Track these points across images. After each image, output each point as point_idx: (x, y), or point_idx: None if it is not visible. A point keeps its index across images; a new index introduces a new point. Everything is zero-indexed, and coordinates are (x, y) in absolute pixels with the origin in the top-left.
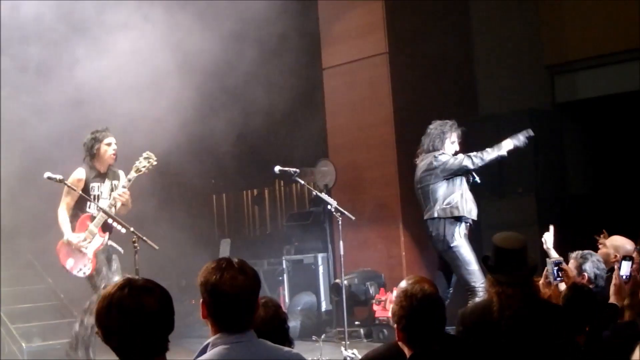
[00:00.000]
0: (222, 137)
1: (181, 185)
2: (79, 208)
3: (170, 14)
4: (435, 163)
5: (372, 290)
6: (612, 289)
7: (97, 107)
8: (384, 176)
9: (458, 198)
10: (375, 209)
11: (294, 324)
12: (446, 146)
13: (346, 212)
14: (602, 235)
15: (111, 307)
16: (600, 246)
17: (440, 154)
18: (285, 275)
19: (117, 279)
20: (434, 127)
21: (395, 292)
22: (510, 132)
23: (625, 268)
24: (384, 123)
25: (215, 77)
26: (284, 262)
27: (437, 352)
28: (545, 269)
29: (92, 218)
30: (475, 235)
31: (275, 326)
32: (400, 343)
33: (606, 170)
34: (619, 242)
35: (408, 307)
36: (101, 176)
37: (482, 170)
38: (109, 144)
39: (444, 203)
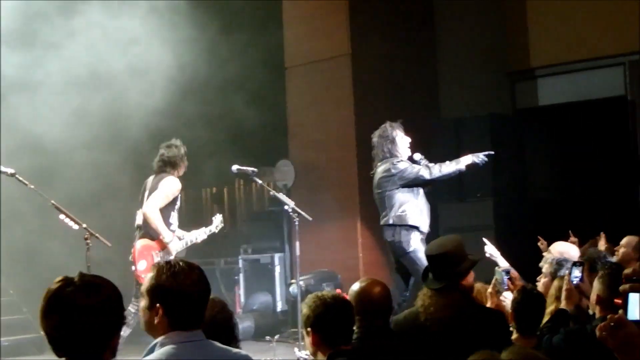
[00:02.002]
0: (183, 133)
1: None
2: (162, 217)
3: (129, 13)
4: (393, 170)
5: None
6: (563, 294)
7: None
8: (344, 177)
9: (413, 207)
10: (334, 209)
11: (248, 323)
12: (400, 146)
13: (303, 213)
14: (540, 243)
15: (53, 304)
16: (544, 254)
17: (398, 161)
18: (241, 275)
19: None
20: (376, 136)
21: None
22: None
23: (576, 273)
24: (345, 124)
25: (175, 77)
26: (240, 261)
27: (352, 351)
28: (495, 278)
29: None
30: (433, 239)
31: (221, 325)
32: (313, 347)
33: (565, 176)
34: (564, 248)
35: (318, 309)
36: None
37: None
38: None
39: (399, 210)
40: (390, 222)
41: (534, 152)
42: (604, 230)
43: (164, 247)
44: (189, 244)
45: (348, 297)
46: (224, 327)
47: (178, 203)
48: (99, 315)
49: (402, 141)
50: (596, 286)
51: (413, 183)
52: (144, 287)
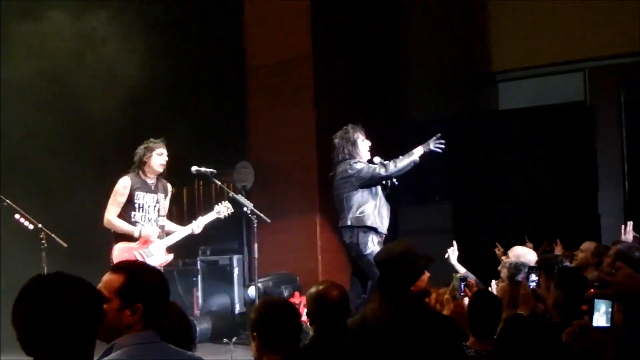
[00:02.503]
0: (142, 134)
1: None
2: (122, 217)
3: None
4: (350, 171)
5: (286, 294)
6: (520, 299)
7: None
8: (304, 179)
9: (371, 209)
10: (293, 211)
11: (206, 325)
12: (360, 148)
13: (262, 215)
14: (497, 249)
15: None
16: (502, 258)
17: (355, 162)
18: (199, 276)
19: None
20: (338, 137)
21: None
22: (428, 140)
23: (533, 278)
24: (305, 126)
25: (135, 78)
26: (198, 263)
27: (307, 353)
28: (452, 284)
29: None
30: (392, 241)
31: (177, 327)
32: (257, 352)
33: (524, 180)
34: (521, 252)
35: (263, 314)
36: (147, 186)
37: (402, 177)
38: (160, 154)
39: (357, 212)
40: (348, 223)
41: (494, 156)
42: (562, 235)
43: (145, 242)
44: (176, 239)
45: (305, 300)
46: (180, 330)
47: (140, 201)
48: (76, 314)
49: (363, 144)
50: (553, 291)
51: (370, 182)
52: (112, 288)
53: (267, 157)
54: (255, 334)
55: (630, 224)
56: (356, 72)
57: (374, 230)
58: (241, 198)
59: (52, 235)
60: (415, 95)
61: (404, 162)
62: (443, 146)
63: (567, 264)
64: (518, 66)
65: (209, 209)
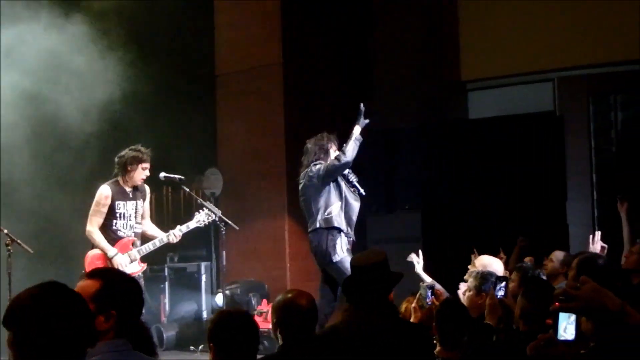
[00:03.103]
0: (112, 140)
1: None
2: (104, 227)
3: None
4: (311, 173)
5: (254, 301)
6: (486, 309)
7: None
8: (273, 186)
9: (337, 210)
10: (262, 219)
11: (173, 333)
12: (331, 157)
13: (230, 222)
14: (473, 255)
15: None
16: (469, 267)
17: (314, 164)
18: (167, 283)
19: None
20: (312, 143)
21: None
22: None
23: (501, 289)
24: (275, 133)
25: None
26: (166, 269)
27: None
28: (419, 293)
29: (134, 244)
30: (360, 251)
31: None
32: None
33: (494, 189)
34: (487, 261)
35: (219, 324)
36: (126, 194)
37: (371, 185)
38: (144, 169)
39: (326, 213)
40: (317, 225)
41: (463, 165)
42: (531, 244)
43: (119, 251)
44: (150, 248)
45: (271, 308)
46: (142, 338)
47: (121, 210)
48: (72, 325)
49: (335, 154)
50: (520, 301)
51: (331, 174)
52: (87, 294)
53: (236, 163)
54: (212, 344)
55: (598, 234)
56: (325, 79)
57: (341, 232)
58: (210, 205)
59: (18, 241)
60: (385, 104)
61: (350, 145)
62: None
63: (543, 274)
64: (488, 75)
65: (177, 215)
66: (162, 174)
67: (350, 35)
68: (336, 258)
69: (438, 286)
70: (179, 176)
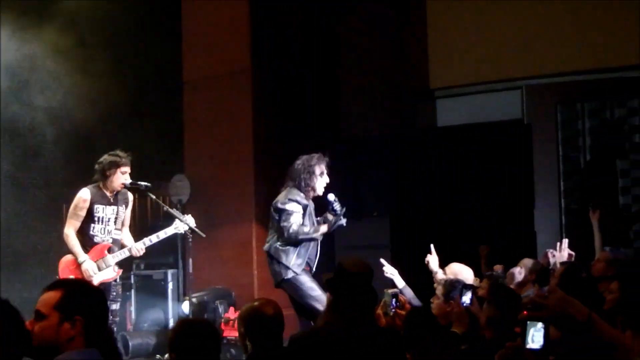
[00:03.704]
0: (74, 146)
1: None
2: (81, 230)
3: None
4: (280, 206)
5: (221, 309)
6: (453, 317)
7: None
8: (240, 194)
9: (291, 247)
10: (229, 226)
11: (139, 341)
12: (316, 180)
13: (197, 230)
14: (429, 254)
15: None
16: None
17: (289, 201)
18: (133, 291)
19: None
20: (301, 161)
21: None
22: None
23: (467, 296)
24: (243, 140)
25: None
26: (132, 277)
27: None
28: (383, 300)
29: (110, 249)
30: (329, 258)
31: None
32: None
33: (462, 197)
34: (457, 269)
35: (181, 333)
36: (106, 198)
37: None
38: (124, 173)
39: (279, 243)
40: (268, 249)
41: (432, 173)
42: (499, 251)
43: (94, 257)
44: (125, 255)
45: (238, 317)
46: (108, 346)
47: (100, 214)
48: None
49: (321, 179)
50: (486, 309)
51: (286, 236)
52: (50, 304)
53: (203, 170)
54: (173, 354)
55: (565, 241)
56: (294, 86)
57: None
58: (176, 212)
59: None
60: (353, 111)
61: (309, 235)
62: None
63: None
64: (456, 83)
65: (144, 223)
66: (129, 181)
67: (318, 42)
68: (289, 275)
69: (409, 292)
70: (145, 183)
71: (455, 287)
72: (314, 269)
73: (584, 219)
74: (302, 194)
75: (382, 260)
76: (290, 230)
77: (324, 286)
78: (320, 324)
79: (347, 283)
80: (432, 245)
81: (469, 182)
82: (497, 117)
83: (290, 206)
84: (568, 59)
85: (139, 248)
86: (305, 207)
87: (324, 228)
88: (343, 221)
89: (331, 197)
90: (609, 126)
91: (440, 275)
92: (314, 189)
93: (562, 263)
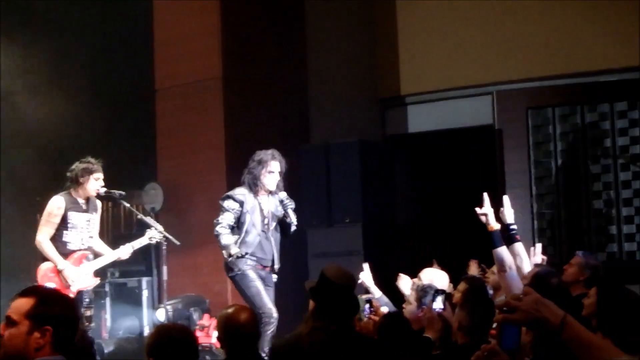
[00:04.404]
0: (45, 155)
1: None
2: (55, 238)
3: None
4: (219, 201)
5: (195, 316)
6: (425, 322)
7: None
8: (213, 201)
9: (238, 240)
10: (202, 233)
11: (113, 348)
12: (263, 181)
13: (171, 237)
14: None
15: None
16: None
17: (226, 198)
18: (107, 299)
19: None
20: (256, 155)
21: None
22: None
23: (438, 301)
24: (215, 147)
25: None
26: (107, 285)
27: None
28: None
29: (87, 258)
30: (301, 265)
31: (82, 352)
32: None
33: (434, 202)
34: (432, 275)
35: (157, 338)
36: (79, 205)
37: (311, 200)
38: (97, 179)
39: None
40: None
41: (403, 179)
42: (470, 257)
43: (77, 263)
44: (103, 263)
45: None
46: (84, 354)
47: (72, 221)
48: None
49: (269, 177)
50: (459, 313)
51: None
52: (22, 311)
53: (176, 178)
54: (151, 359)
55: (538, 246)
56: (265, 93)
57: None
58: (150, 220)
59: None
60: (324, 117)
61: (223, 242)
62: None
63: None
64: (427, 89)
65: (117, 231)
66: (102, 189)
67: (288, 48)
68: (232, 273)
69: (384, 300)
70: (119, 192)
71: (427, 292)
72: (274, 267)
73: (555, 223)
74: (245, 191)
75: (365, 266)
76: (216, 230)
77: (306, 293)
78: (302, 330)
79: (329, 291)
80: (366, 265)
81: (440, 187)
82: (468, 122)
83: (225, 203)
84: (538, 64)
85: (129, 250)
86: (242, 204)
87: (231, 249)
88: (293, 220)
89: (283, 195)
90: (579, 131)
91: (374, 290)
92: (263, 185)
93: (535, 265)
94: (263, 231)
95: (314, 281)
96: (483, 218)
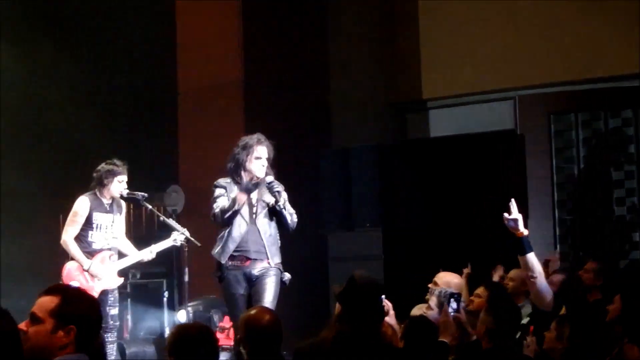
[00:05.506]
0: (69, 157)
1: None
2: (79, 238)
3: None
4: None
5: (216, 318)
6: (440, 326)
7: None
8: None
9: (220, 236)
10: None
11: (135, 349)
12: (250, 162)
13: (193, 239)
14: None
15: None
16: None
17: (214, 188)
18: (129, 300)
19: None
20: (240, 140)
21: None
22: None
23: (454, 305)
24: None
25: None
26: (128, 286)
27: None
28: (435, 295)
29: (111, 257)
30: (322, 268)
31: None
32: None
33: (455, 207)
34: (448, 278)
35: (177, 338)
36: (103, 206)
37: (331, 204)
38: (120, 181)
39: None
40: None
41: (424, 184)
42: (491, 263)
43: (102, 263)
44: (127, 264)
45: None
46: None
47: (97, 222)
48: None
49: (255, 163)
50: (484, 318)
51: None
52: (47, 309)
53: (197, 181)
54: (172, 358)
55: (557, 252)
56: (285, 97)
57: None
58: (171, 222)
59: None
60: (345, 122)
61: (231, 207)
62: None
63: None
64: (448, 94)
65: (139, 232)
66: (125, 191)
67: (309, 53)
68: (217, 274)
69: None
70: (142, 193)
71: (449, 297)
72: (270, 261)
73: (577, 229)
74: (228, 179)
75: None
76: (215, 214)
77: (334, 297)
78: (327, 334)
79: (358, 297)
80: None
81: (462, 193)
82: (490, 127)
83: (215, 192)
84: (561, 69)
85: (153, 251)
86: (225, 188)
87: (240, 196)
88: (281, 203)
89: (269, 178)
90: (602, 136)
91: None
92: (249, 172)
93: (554, 271)
94: (252, 222)
95: (341, 285)
96: (512, 224)
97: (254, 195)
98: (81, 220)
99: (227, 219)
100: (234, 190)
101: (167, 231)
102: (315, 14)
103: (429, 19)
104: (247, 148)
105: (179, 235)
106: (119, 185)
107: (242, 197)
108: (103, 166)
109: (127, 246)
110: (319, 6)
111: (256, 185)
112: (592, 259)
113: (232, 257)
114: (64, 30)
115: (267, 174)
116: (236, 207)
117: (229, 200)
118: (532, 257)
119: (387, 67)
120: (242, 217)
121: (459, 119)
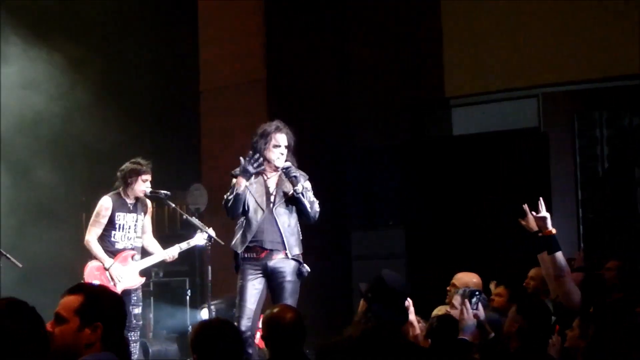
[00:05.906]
0: (93, 156)
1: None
2: (102, 237)
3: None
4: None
5: None
6: (460, 325)
7: None
8: None
9: (236, 227)
10: None
11: (158, 347)
12: (269, 150)
13: (216, 237)
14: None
15: None
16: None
17: (232, 173)
18: (152, 298)
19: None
20: (259, 128)
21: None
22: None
23: (474, 303)
24: None
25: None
26: (151, 284)
27: None
28: (459, 294)
29: (134, 257)
30: (344, 266)
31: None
32: None
33: (478, 206)
34: (467, 279)
35: (201, 334)
36: (127, 206)
37: (353, 202)
38: (144, 181)
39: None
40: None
41: (447, 182)
42: (514, 261)
43: (124, 263)
44: (149, 263)
45: (261, 322)
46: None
47: (120, 221)
48: (21, 342)
49: (273, 151)
50: (515, 317)
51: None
52: (72, 308)
53: (220, 179)
54: (195, 356)
55: (581, 250)
56: (308, 96)
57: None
58: (195, 220)
59: (7, 255)
60: (368, 120)
61: (232, 193)
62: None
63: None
64: (472, 92)
65: (162, 231)
66: (148, 189)
67: (332, 51)
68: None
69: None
70: (165, 191)
71: (474, 294)
72: (288, 253)
73: (601, 228)
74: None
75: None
76: (223, 204)
77: (360, 294)
78: (352, 332)
79: (386, 296)
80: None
81: (485, 191)
82: (513, 125)
83: (232, 181)
84: (585, 67)
85: (173, 254)
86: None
87: (239, 180)
88: (299, 189)
89: (287, 164)
90: (626, 134)
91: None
92: (268, 160)
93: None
94: (269, 211)
95: (368, 284)
96: (540, 222)
97: (272, 184)
98: (104, 220)
99: (230, 207)
100: (251, 180)
101: (190, 230)
102: (337, 12)
103: (451, 16)
104: (265, 136)
105: (202, 234)
106: (142, 185)
107: (241, 181)
108: (127, 165)
109: (154, 245)
110: (340, 5)
111: (259, 165)
112: (614, 257)
113: (247, 249)
114: (89, 31)
115: (287, 162)
116: (237, 192)
117: (247, 191)
118: (560, 256)
119: (410, 65)
120: (259, 205)
121: (481, 117)
